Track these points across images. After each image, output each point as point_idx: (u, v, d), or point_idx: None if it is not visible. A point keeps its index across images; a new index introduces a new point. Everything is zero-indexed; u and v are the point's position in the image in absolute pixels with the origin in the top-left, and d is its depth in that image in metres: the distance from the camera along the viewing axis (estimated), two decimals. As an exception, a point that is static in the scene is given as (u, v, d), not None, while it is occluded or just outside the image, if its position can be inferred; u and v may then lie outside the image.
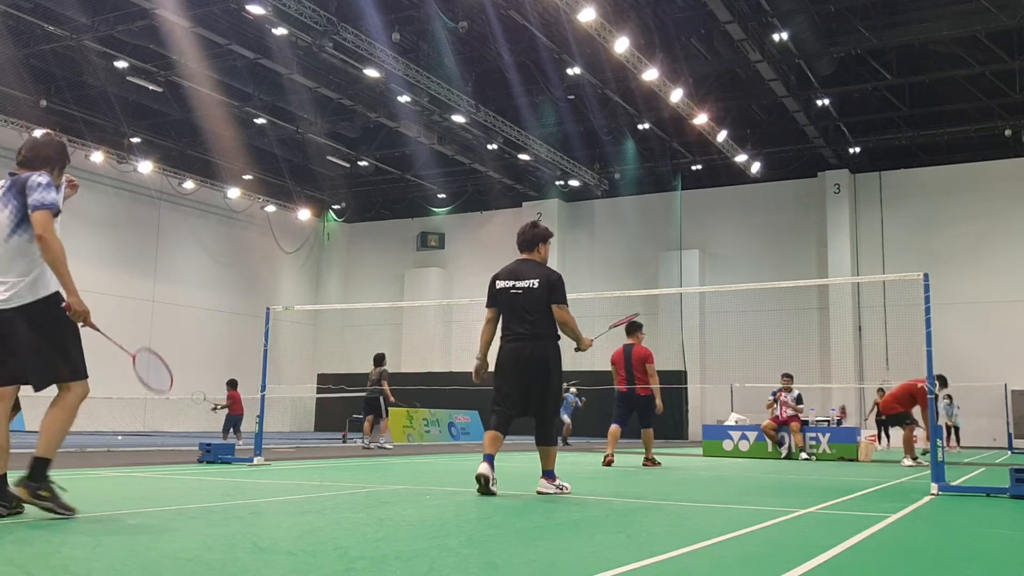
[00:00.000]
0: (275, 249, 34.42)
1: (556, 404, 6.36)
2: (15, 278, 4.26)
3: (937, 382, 18.11)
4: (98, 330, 4.52)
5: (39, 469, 4.24)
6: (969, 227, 27.26)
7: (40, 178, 4.31)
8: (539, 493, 6.19)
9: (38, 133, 4.74)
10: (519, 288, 6.30)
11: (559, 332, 6.38)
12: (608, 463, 10.65)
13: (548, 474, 6.30)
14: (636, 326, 11.23)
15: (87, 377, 4.39)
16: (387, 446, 15.45)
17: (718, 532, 4.27)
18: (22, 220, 4.30)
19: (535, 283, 6.27)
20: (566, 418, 20.07)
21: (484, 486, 5.98)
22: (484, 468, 6.02)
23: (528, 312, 6.24)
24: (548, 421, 6.31)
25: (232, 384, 16.95)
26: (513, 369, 6.26)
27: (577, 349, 6.58)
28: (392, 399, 16.39)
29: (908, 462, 12.33)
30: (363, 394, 16.28)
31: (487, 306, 6.48)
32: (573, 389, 20.37)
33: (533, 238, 6.53)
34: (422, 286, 34.12)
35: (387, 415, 16.08)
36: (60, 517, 4.23)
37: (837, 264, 28.38)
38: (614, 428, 11.12)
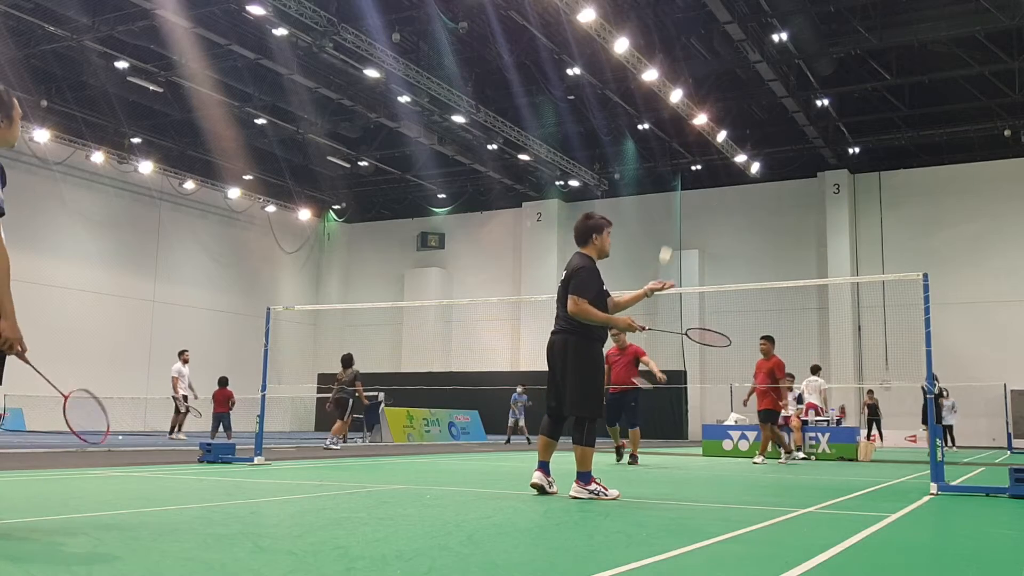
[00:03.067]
0: (275, 249, 34.42)
1: (577, 399, 5.98)
2: None
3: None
4: (28, 363, 3.82)
5: None
6: (969, 227, 27.25)
7: None
8: (571, 498, 5.87)
9: None
10: (562, 282, 6.24)
11: (582, 324, 6.07)
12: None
13: (579, 477, 5.96)
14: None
15: None
16: (334, 447, 14.55)
17: (718, 532, 4.27)
18: None
19: (565, 275, 6.20)
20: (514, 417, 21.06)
21: (540, 492, 6.13)
22: (537, 476, 6.16)
23: (559, 306, 6.19)
24: (575, 417, 6.02)
25: (223, 382, 17.04)
26: (549, 362, 6.21)
27: (627, 331, 6.39)
28: (366, 401, 16.47)
29: (760, 460, 12.26)
30: (331, 395, 16.25)
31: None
32: (519, 389, 21.80)
33: (585, 231, 6.32)
34: (422, 286, 34.13)
35: (349, 418, 15.58)
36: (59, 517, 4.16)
37: (837, 264, 28.37)
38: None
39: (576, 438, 5.99)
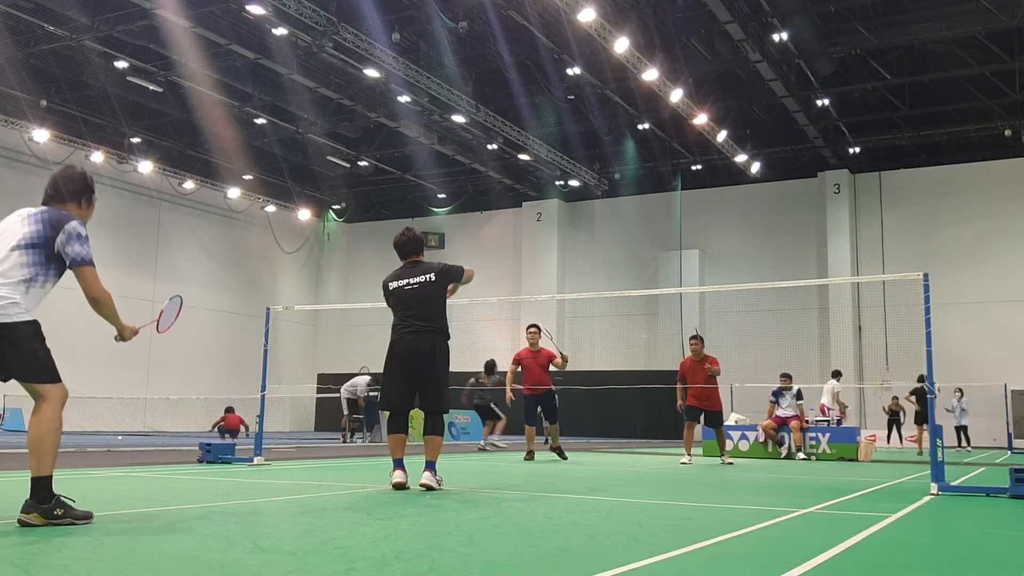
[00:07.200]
0: (275, 249, 34.41)
1: (444, 396, 6.70)
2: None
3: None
4: (141, 328, 4.94)
5: (43, 488, 4.07)
6: (969, 227, 27.25)
7: (82, 229, 4.30)
8: (423, 487, 6.30)
9: (57, 169, 4.62)
10: (421, 283, 6.86)
11: (446, 326, 6.93)
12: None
13: (432, 466, 6.48)
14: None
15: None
16: (501, 444, 16.02)
17: (718, 532, 4.27)
18: (39, 245, 4.20)
19: (426, 277, 6.82)
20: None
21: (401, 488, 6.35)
22: (401, 476, 6.38)
23: (420, 306, 6.88)
24: (434, 412, 6.68)
25: (229, 410, 18.32)
26: (411, 360, 6.75)
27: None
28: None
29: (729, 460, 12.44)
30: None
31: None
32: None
33: (419, 241, 7.14)
34: (422, 286, 34.11)
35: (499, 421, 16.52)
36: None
37: (837, 264, 28.37)
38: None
39: (439, 430, 6.57)
